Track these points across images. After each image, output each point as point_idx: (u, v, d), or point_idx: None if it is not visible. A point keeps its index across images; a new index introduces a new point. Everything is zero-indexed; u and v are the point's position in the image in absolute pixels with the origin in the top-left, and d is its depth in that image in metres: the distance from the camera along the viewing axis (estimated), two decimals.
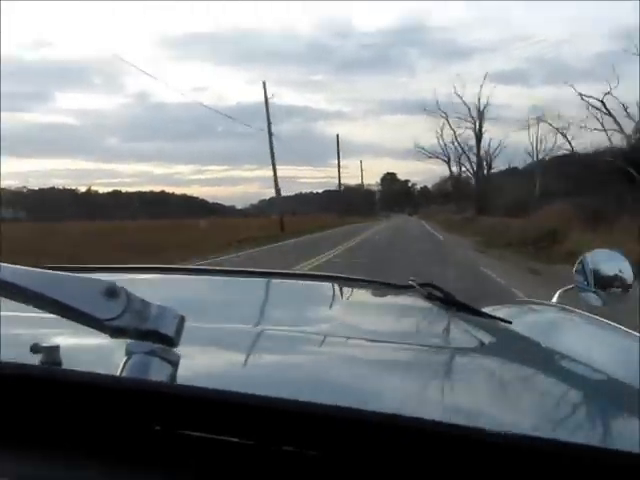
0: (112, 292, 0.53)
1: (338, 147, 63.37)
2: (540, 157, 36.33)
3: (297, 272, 2.71)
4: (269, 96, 35.95)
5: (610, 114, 26.08)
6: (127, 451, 0.46)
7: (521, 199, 30.07)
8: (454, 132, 46.25)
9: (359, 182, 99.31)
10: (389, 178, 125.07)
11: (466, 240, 25.09)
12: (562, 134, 30.74)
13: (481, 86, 44.79)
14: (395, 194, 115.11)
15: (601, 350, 1.00)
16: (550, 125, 31.79)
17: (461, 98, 43.83)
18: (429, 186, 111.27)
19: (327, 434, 0.44)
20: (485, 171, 45.51)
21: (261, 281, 1.63)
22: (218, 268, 2.29)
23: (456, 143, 47.61)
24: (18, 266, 0.55)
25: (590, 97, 26.73)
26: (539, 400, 0.74)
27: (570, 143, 30.01)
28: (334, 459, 0.45)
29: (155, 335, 0.53)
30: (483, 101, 43.03)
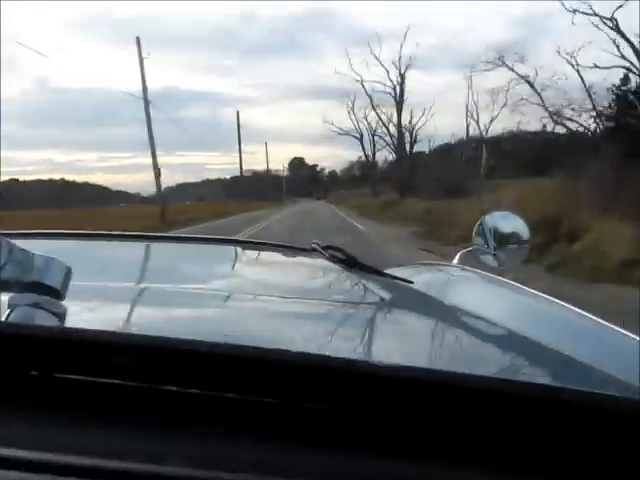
0: None
1: (239, 126, 57.48)
2: (486, 127, 29.03)
3: (202, 236, 2.20)
4: (145, 55, 28.63)
5: (624, 37, 16.60)
6: (3, 395, 0.44)
7: (458, 178, 24.08)
8: (370, 98, 39.80)
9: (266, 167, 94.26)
10: (297, 163, 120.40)
11: (398, 231, 18.59)
12: (529, 83, 20.44)
13: (401, 45, 38.69)
14: (303, 179, 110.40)
15: (497, 306, 1.04)
16: (511, 70, 21.96)
17: (378, 59, 37.65)
18: (337, 170, 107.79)
19: (200, 368, 0.44)
20: (408, 146, 39.29)
21: (165, 244, 1.66)
22: (122, 233, 1.89)
23: (372, 114, 41.39)
24: None
25: (594, 14, 16.96)
26: (441, 351, 0.78)
27: (540, 95, 20.42)
28: (216, 395, 0.44)
29: (40, 287, 0.50)
30: (400, 83, 36.80)
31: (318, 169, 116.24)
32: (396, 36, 40.07)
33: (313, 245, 1.40)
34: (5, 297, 0.51)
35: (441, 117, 73.95)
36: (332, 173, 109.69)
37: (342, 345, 0.73)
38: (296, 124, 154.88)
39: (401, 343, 0.77)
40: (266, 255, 1.62)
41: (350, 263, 1.22)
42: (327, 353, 0.46)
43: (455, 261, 1.48)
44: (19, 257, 0.50)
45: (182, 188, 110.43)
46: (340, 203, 53.03)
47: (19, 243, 0.51)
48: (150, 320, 0.73)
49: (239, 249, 1.58)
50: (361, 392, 0.43)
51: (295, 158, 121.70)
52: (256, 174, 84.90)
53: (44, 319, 0.49)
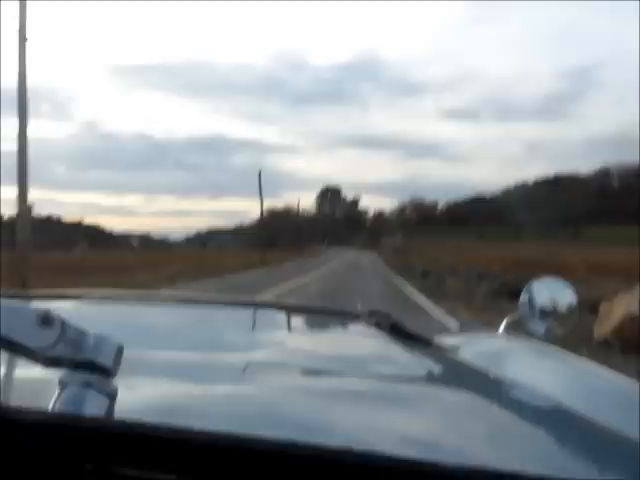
0: (46, 320, 0.50)
1: (260, 182, 44.41)
2: None
3: (242, 300, 1.99)
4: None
5: None
6: None
7: None
8: None
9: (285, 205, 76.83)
10: (330, 197, 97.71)
11: None
12: None
13: None
14: (340, 219, 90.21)
15: (549, 377, 1.03)
16: None
17: None
18: (386, 210, 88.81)
19: (273, 472, 0.42)
20: None
21: (204, 310, 1.59)
22: (163, 295, 2.01)
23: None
24: None
25: None
26: (489, 429, 0.75)
27: None
28: None
29: (91, 365, 0.51)
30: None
31: (361, 208, 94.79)
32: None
33: (358, 310, 1.39)
34: (56, 375, 0.50)
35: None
36: (379, 215, 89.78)
37: (382, 426, 0.68)
38: (339, 172, 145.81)
39: (451, 429, 0.70)
40: (309, 321, 1.56)
41: (395, 330, 1.20)
42: (371, 445, 0.44)
43: (501, 328, 1.47)
44: (72, 335, 0.49)
45: (211, 233, 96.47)
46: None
47: (64, 305, 0.49)
48: (189, 399, 0.71)
49: (281, 314, 1.54)
50: None
51: (326, 188, 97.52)
52: (274, 215, 67.41)
53: (94, 399, 0.49)
